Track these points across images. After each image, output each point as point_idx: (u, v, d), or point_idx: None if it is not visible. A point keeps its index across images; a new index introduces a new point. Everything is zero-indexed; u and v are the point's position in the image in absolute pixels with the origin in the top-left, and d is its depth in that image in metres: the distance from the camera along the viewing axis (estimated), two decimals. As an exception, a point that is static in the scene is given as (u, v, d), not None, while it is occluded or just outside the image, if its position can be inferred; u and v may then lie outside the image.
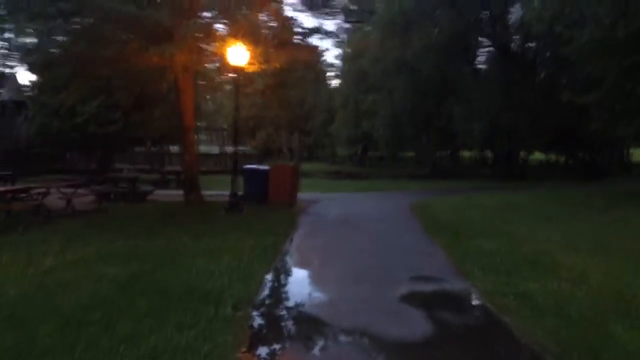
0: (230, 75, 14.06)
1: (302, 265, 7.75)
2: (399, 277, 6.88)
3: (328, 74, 57.57)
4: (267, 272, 7.01)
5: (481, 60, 32.10)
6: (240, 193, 14.89)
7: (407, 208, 14.40)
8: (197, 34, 11.25)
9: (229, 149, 57.35)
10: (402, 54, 28.84)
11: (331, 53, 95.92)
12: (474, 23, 26.41)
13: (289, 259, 8.10)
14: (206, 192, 17.03)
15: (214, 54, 12.25)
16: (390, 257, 8.17)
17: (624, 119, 16.23)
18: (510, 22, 27.36)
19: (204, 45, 11.97)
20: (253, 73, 14.18)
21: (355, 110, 39.34)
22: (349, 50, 43.33)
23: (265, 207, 13.73)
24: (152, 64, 12.24)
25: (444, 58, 27.81)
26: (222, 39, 11.75)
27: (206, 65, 14.58)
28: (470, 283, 6.59)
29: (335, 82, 54.49)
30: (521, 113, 26.36)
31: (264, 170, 14.62)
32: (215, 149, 51.68)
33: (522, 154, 32.54)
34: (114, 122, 21.47)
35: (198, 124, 60.45)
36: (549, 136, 29.13)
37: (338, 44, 53.63)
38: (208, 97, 52.85)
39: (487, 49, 30.78)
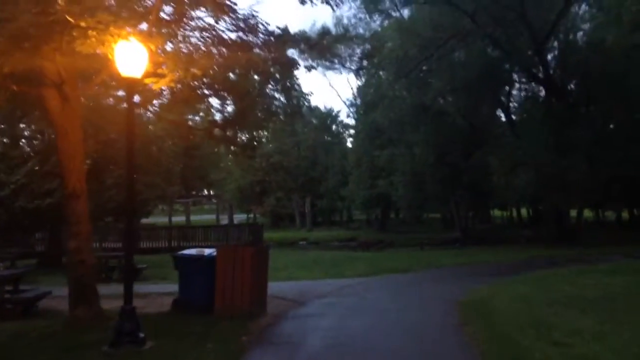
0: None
1: None
2: None
3: (341, 134, 53.05)
4: None
5: (517, 99, 26.05)
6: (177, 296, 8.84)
7: (455, 319, 7.76)
8: (33, 11, 5.54)
9: (238, 218, 51.41)
10: (420, 98, 23.14)
11: (343, 112, 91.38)
12: (510, 53, 20.28)
13: None
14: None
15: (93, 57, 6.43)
16: None
17: None
18: (554, 49, 21.39)
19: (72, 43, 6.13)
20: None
21: (370, 168, 33.68)
22: (362, 107, 38.45)
23: (206, 324, 7.47)
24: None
25: (473, 99, 21.96)
26: (97, 26, 6.00)
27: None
28: None
29: (349, 143, 49.89)
30: (575, 159, 20.03)
31: (207, 259, 8.41)
32: (225, 220, 45.21)
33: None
34: (50, 194, 15.82)
35: (207, 191, 54.47)
36: (609, 187, 22.58)
37: (350, 103, 49.14)
38: (221, 164, 47.24)
39: (523, 86, 24.78)
